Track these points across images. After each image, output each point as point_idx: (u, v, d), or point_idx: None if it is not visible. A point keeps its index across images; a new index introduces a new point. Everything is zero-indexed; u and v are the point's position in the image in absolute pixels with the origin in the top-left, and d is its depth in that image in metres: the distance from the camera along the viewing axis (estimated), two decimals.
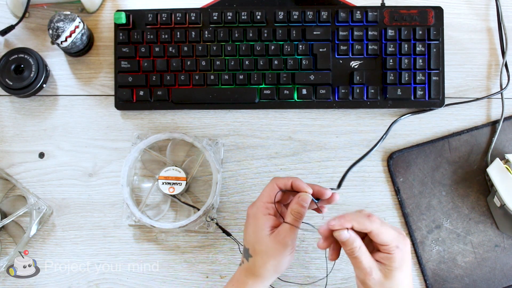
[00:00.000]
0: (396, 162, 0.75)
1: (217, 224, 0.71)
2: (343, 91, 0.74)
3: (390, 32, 0.74)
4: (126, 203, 0.71)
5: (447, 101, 0.75)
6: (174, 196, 0.71)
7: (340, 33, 0.74)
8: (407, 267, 0.56)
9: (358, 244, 0.56)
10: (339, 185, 0.69)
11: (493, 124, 0.75)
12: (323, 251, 0.73)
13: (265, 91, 0.74)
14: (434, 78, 0.74)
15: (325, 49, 0.74)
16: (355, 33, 0.74)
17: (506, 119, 0.75)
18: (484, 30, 0.78)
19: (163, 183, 0.71)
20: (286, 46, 0.74)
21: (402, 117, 0.75)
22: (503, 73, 0.76)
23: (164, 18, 0.75)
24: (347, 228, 0.55)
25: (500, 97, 0.76)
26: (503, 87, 0.75)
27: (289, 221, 0.60)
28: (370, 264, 0.56)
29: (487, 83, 0.77)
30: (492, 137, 0.75)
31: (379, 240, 0.55)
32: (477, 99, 0.76)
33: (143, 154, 0.74)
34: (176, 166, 0.72)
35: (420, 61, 0.74)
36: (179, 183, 0.71)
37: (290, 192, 0.62)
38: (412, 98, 0.74)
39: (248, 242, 0.62)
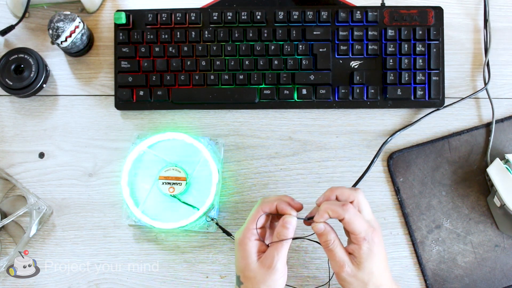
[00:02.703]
0: (396, 162, 0.75)
1: (217, 224, 0.71)
2: (343, 91, 0.74)
3: (390, 32, 0.74)
4: (126, 203, 0.71)
5: (447, 101, 0.75)
6: (174, 196, 0.71)
7: (340, 33, 0.74)
8: (378, 258, 0.58)
9: (333, 237, 0.59)
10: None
11: (487, 126, 0.75)
12: (323, 251, 0.74)
13: (265, 91, 0.74)
14: (434, 78, 0.74)
15: (325, 49, 0.74)
16: (355, 33, 0.74)
17: (506, 119, 0.75)
18: (484, 30, 0.78)
19: (163, 183, 0.71)
20: (286, 46, 0.74)
21: (401, 131, 0.75)
22: (485, 71, 0.76)
23: (164, 18, 0.75)
24: (323, 222, 0.60)
25: (487, 96, 0.76)
26: (486, 84, 0.75)
27: (275, 245, 0.60)
28: (344, 257, 0.59)
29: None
30: (488, 136, 0.75)
31: (350, 229, 0.58)
32: (462, 99, 0.76)
33: (143, 154, 0.74)
34: (176, 166, 0.71)
35: (420, 61, 0.74)
36: (179, 183, 0.71)
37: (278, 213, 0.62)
38: (412, 98, 0.74)
39: (238, 269, 0.61)
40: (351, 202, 0.60)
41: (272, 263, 0.59)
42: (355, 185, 0.71)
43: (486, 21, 0.77)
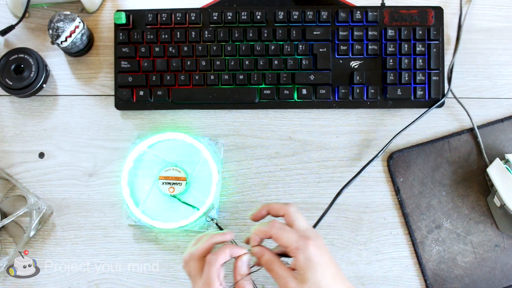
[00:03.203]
0: (396, 162, 0.75)
1: (216, 224, 0.71)
2: (343, 91, 0.74)
3: (390, 32, 0.74)
4: (126, 203, 0.71)
5: (447, 101, 0.75)
6: (174, 196, 0.71)
7: (340, 33, 0.74)
8: (321, 267, 0.56)
9: (268, 256, 0.58)
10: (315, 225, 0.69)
11: (487, 126, 0.75)
12: None
13: (265, 91, 0.74)
14: (434, 78, 0.74)
15: (325, 49, 0.74)
16: (355, 33, 0.74)
17: (506, 119, 0.75)
18: (484, 30, 0.78)
19: (163, 183, 0.71)
20: (286, 46, 0.74)
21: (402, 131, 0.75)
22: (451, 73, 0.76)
23: (164, 18, 0.75)
24: (258, 245, 0.59)
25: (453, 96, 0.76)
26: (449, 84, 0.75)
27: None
28: (285, 273, 0.56)
29: (487, 83, 0.77)
30: (477, 138, 0.75)
31: (281, 243, 0.57)
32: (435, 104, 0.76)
33: (143, 154, 0.74)
34: (176, 166, 0.71)
35: (420, 61, 0.74)
36: (179, 183, 0.71)
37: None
38: (412, 98, 0.74)
39: None
40: (283, 215, 0.59)
41: None
42: (349, 182, 0.71)
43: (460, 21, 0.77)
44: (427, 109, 0.74)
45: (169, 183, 0.71)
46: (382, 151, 0.73)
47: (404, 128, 0.74)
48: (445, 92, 0.75)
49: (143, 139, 0.73)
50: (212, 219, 0.70)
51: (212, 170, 0.71)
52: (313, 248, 0.56)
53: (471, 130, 0.75)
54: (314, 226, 0.69)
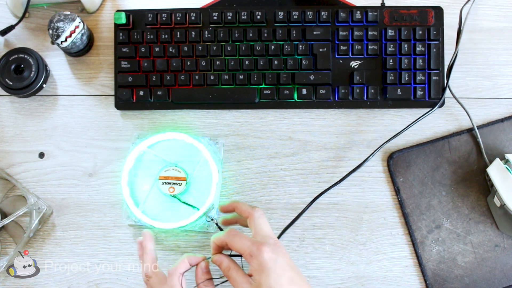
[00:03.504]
0: (396, 162, 0.75)
1: (216, 224, 0.71)
2: (343, 91, 0.74)
3: (390, 32, 0.74)
4: (126, 203, 0.71)
5: (447, 101, 0.75)
6: (174, 196, 0.71)
7: (340, 33, 0.74)
8: (274, 271, 0.56)
9: (226, 263, 0.59)
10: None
11: (487, 126, 0.75)
12: (323, 251, 0.74)
13: (265, 91, 0.74)
14: (434, 78, 0.74)
15: (325, 49, 0.74)
16: (355, 33, 0.74)
17: (506, 119, 0.75)
18: (484, 30, 0.78)
19: (163, 183, 0.71)
20: (286, 46, 0.74)
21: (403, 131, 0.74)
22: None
23: (164, 18, 0.75)
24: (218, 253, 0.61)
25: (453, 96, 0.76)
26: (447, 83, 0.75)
27: None
28: (241, 279, 0.57)
29: (487, 83, 0.77)
30: (476, 139, 0.75)
31: (235, 250, 0.58)
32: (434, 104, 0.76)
33: (143, 154, 0.74)
34: (176, 166, 0.71)
35: (420, 61, 0.74)
36: (179, 183, 0.71)
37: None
38: (412, 98, 0.74)
39: None
40: (247, 217, 0.60)
41: None
42: (345, 178, 0.72)
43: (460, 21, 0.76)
44: (429, 109, 0.74)
45: (169, 183, 0.71)
46: (377, 151, 0.73)
47: (403, 130, 0.73)
48: (444, 91, 0.74)
49: (143, 139, 0.73)
50: (212, 219, 0.70)
51: (212, 170, 0.71)
52: (267, 254, 0.57)
53: (471, 130, 0.75)
54: (289, 226, 0.71)
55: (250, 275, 0.57)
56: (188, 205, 0.71)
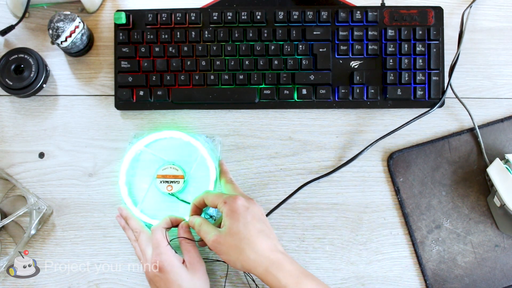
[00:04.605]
0: (396, 162, 0.75)
1: (215, 221, 0.71)
2: (343, 91, 0.74)
3: (390, 32, 0.74)
4: (125, 202, 0.71)
5: (447, 101, 0.75)
6: (172, 194, 0.71)
7: (340, 33, 0.74)
8: (245, 217, 0.60)
9: (199, 221, 0.64)
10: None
11: (487, 126, 0.75)
12: (323, 251, 0.74)
13: (265, 91, 0.74)
14: (434, 78, 0.74)
15: (325, 49, 0.74)
16: (355, 33, 0.74)
17: (506, 119, 0.75)
18: (484, 30, 0.78)
19: (161, 182, 0.71)
20: (286, 46, 0.74)
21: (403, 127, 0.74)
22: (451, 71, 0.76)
23: (164, 18, 0.75)
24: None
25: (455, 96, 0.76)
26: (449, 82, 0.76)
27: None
28: (209, 229, 0.62)
29: (487, 83, 0.77)
30: (477, 138, 0.75)
31: (210, 204, 0.63)
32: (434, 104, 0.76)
33: (140, 154, 0.74)
34: (174, 164, 0.72)
35: (420, 61, 0.74)
36: (177, 181, 0.71)
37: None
38: (412, 98, 0.74)
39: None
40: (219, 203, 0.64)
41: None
42: (336, 170, 0.73)
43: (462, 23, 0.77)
44: (428, 109, 0.74)
45: (167, 182, 0.71)
46: (370, 146, 0.74)
47: (399, 127, 0.73)
48: (445, 90, 0.74)
49: (140, 138, 0.73)
50: (211, 217, 0.70)
51: (210, 167, 0.71)
52: (240, 201, 0.61)
53: (471, 130, 0.75)
54: (277, 206, 0.73)
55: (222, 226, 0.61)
56: (186, 203, 0.71)
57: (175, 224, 0.68)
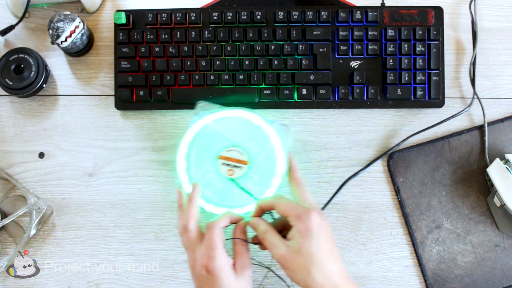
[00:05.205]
0: (396, 162, 0.75)
1: (273, 218, 0.65)
2: (343, 91, 0.74)
3: (390, 32, 0.74)
4: (180, 178, 0.66)
5: (447, 101, 0.75)
6: (232, 180, 0.65)
7: (340, 33, 0.74)
8: (318, 237, 0.56)
9: (263, 227, 0.59)
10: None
11: (487, 126, 0.75)
12: None
13: (265, 91, 0.74)
14: (434, 78, 0.74)
15: (325, 49, 0.74)
16: (355, 33, 0.74)
17: (506, 119, 0.75)
18: (484, 30, 0.78)
19: (222, 164, 0.65)
20: (286, 46, 0.74)
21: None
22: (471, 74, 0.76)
23: (164, 18, 0.75)
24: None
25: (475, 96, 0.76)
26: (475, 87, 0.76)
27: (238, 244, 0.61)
28: (278, 241, 0.57)
29: (487, 83, 0.77)
30: (483, 137, 0.75)
31: (281, 213, 0.59)
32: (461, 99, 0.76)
33: (205, 128, 0.67)
34: (239, 147, 0.65)
35: (420, 61, 0.74)
36: (239, 167, 0.65)
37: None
38: (412, 98, 0.74)
39: None
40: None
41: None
42: (347, 181, 0.72)
43: (473, 20, 0.77)
44: (460, 110, 0.74)
45: (229, 165, 0.65)
46: (390, 151, 0.74)
47: (421, 131, 0.74)
48: (474, 90, 0.74)
49: (208, 111, 0.66)
50: (270, 212, 0.64)
51: (278, 159, 0.65)
52: (315, 219, 0.56)
53: (470, 130, 0.75)
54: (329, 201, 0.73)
55: (289, 239, 0.57)
56: (246, 193, 0.65)
57: (233, 222, 0.62)
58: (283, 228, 0.61)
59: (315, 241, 0.55)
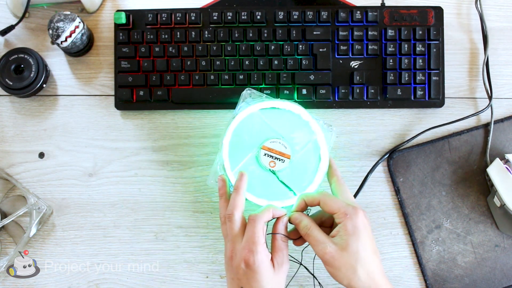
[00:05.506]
0: (396, 162, 0.75)
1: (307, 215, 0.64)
2: (343, 91, 0.74)
3: (390, 32, 0.74)
4: (223, 164, 0.65)
5: (447, 101, 0.75)
6: (273, 172, 0.64)
7: (340, 33, 0.74)
8: (364, 236, 0.56)
9: (306, 222, 0.59)
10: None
11: (487, 126, 0.75)
12: None
13: (265, 91, 0.74)
14: (434, 78, 0.74)
15: (325, 49, 0.74)
16: (355, 33, 0.74)
17: (506, 119, 0.75)
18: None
19: (265, 154, 0.64)
20: (286, 46, 0.74)
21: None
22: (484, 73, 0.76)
23: (164, 18, 0.75)
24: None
25: (487, 96, 0.76)
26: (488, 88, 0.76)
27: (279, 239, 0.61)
28: (323, 238, 0.57)
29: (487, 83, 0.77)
30: (487, 136, 0.75)
31: (327, 209, 0.58)
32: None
33: (251, 116, 0.66)
34: (284, 140, 0.64)
35: (420, 61, 0.74)
36: (282, 159, 0.64)
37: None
38: (412, 98, 0.74)
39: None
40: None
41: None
42: (359, 190, 0.72)
43: (482, 22, 0.77)
44: (483, 109, 0.74)
45: (272, 156, 0.64)
46: (399, 147, 0.74)
47: (429, 129, 0.74)
48: (491, 91, 0.74)
49: (256, 100, 0.66)
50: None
51: (322, 157, 0.64)
52: (362, 218, 0.57)
53: (470, 130, 0.75)
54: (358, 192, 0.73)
55: (333, 236, 0.57)
56: (286, 187, 0.64)
57: (277, 216, 0.61)
58: (320, 225, 0.61)
59: (362, 240, 0.56)
